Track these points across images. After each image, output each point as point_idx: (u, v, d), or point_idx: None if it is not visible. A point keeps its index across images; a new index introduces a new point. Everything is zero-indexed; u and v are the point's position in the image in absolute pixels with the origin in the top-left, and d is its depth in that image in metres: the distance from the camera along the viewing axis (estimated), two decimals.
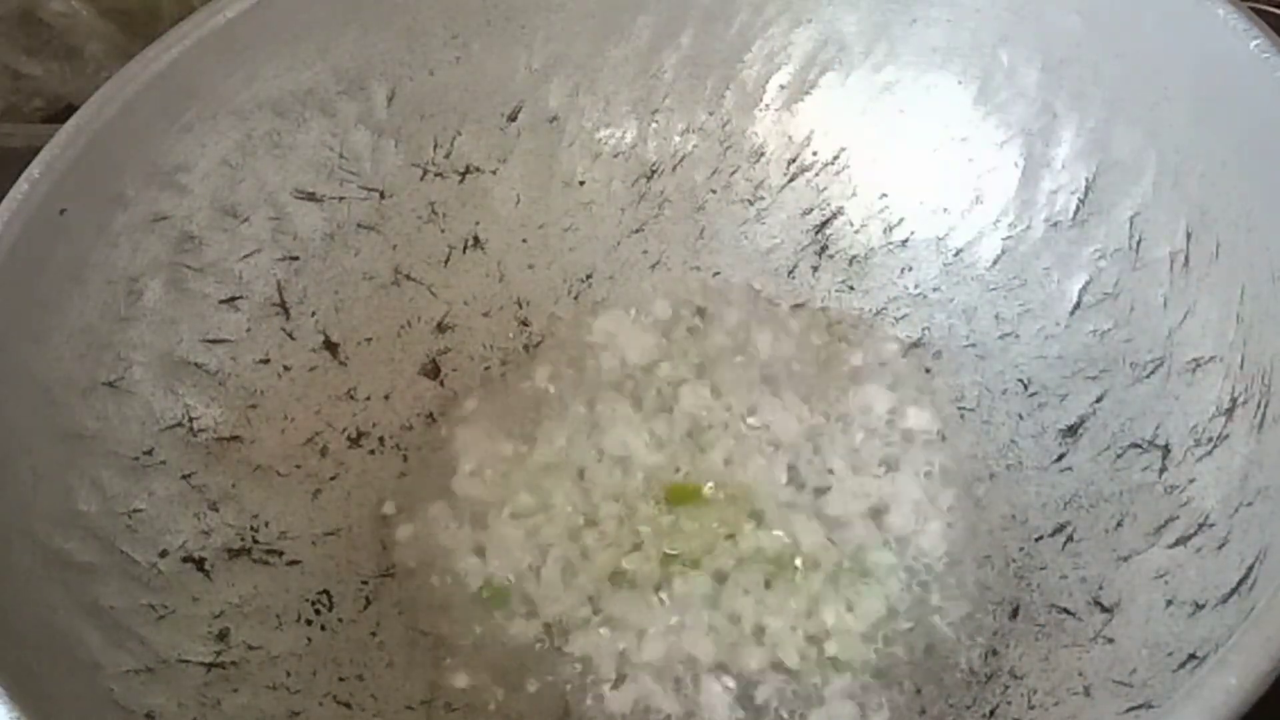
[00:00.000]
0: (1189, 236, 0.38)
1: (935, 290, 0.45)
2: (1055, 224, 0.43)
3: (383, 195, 0.46)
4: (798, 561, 0.41)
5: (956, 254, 0.45)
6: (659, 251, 0.48)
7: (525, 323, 0.47)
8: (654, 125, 0.48)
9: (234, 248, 0.43)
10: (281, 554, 0.41)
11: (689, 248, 0.48)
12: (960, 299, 0.45)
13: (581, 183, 0.48)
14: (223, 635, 0.38)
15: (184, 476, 0.40)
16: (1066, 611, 0.38)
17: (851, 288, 0.47)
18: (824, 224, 0.47)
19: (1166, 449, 0.38)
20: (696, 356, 0.46)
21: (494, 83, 0.46)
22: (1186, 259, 0.38)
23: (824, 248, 0.47)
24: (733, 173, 0.48)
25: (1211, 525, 0.34)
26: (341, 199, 0.45)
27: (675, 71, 0.47)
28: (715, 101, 0.48)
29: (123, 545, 0.37)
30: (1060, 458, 0.41)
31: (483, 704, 0.39)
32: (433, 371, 0.46)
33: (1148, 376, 0.39)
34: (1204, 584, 0.33)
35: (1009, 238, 0.44)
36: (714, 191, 0.48)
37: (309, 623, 0.40)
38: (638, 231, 0.48)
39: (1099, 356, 0.41)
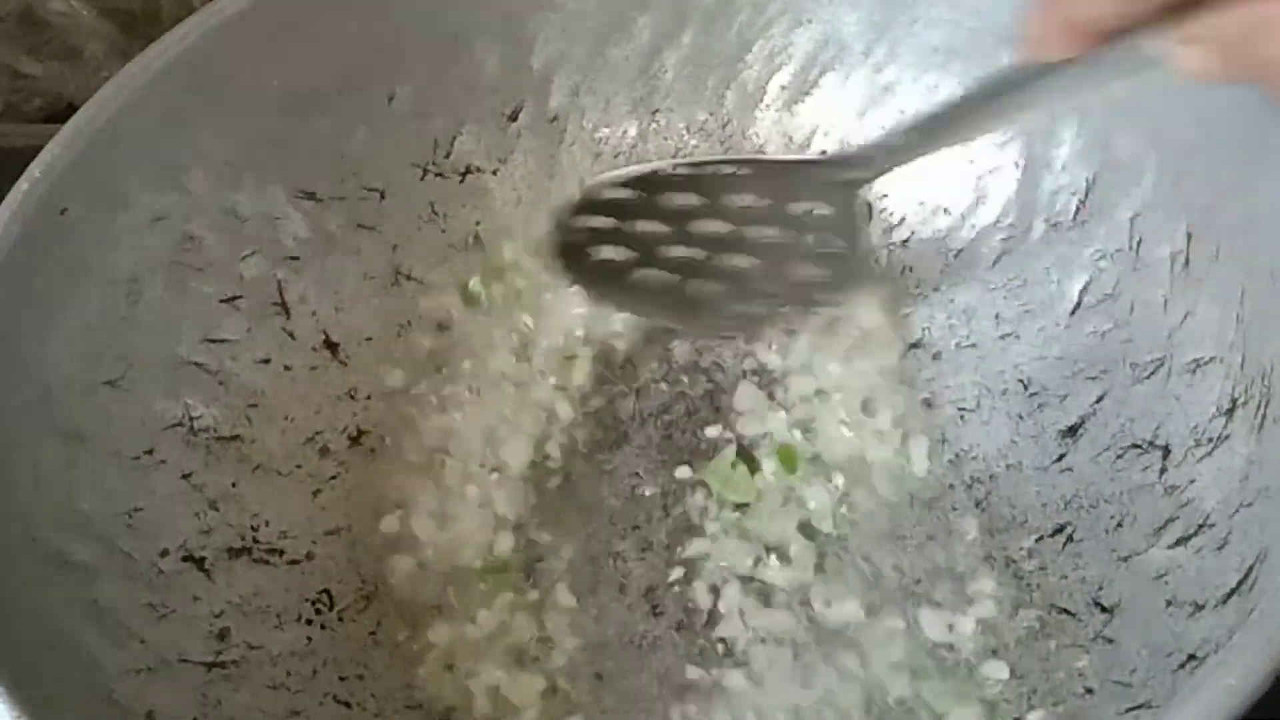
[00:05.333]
0: (1189, 237, 0.38)
1: (935, 290, 0.45)
2: (1055, 224, 0.43)
3: (383, 195, 0.46)
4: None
5: (956, 254, 0.45)
6: None
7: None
8: (654, 125, 0.48)
9: (234, 248, 0.43)
10: (282, 553, 0.41)
11: None
12: (960, 299, 0.45)
13: (581, 182, 0.48)
14: (223, 635, 0.38)
15: (184, 476, 0.40)
16: (1066, 612, 0.38)
17: None
18: None
19: (1166, 449, 0.38)
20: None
21: (494, 83, 0.46)
22: (1187, 260, 0.38)
23: None
24: None
25: (1211, 526, 0.35)
26: (341, 199, 0.45)
27: (675, 71, 0.47)
28: (715, 101, 0.48)
29: (123, 545, 0.37)
30: (1060, 458, 0.41)
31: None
32: (433, 372, 0.46)
33: (1148, 377, 0.39)
34: (1204, 584, 0.33)
35: (1009, 238, 0.44)
36: None
37: (309, 622, 0.40)
38: None
39: (1099, 357, 0.41)
